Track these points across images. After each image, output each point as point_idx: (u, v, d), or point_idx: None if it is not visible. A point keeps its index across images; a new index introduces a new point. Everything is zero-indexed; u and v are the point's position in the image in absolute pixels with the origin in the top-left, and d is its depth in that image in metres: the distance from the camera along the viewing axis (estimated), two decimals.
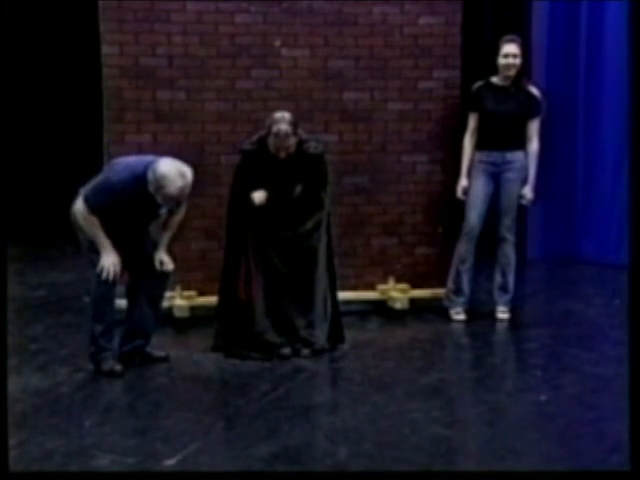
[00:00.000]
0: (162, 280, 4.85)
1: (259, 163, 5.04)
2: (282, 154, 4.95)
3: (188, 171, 4.48)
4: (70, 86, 8.81)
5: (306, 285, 5.12)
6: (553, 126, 6.79)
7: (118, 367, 4.67)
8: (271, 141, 4.94)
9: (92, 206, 4.56)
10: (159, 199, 4.46)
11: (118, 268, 4.61)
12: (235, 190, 5.16)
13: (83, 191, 4.61)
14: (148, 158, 4.63)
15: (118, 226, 4.62)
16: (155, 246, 4.83)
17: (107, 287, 4.61)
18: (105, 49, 5.56)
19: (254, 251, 5.08)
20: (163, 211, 4.65)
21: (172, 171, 4.42)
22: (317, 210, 5.13)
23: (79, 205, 4.59)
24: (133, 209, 4.57)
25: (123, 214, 4.59)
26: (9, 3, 6.58)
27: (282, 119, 4.90)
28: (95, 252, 4.62)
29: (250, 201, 5.04)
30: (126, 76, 5.59)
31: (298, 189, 5.07)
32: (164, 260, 4.80)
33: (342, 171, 5.83)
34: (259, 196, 5.04)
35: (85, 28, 6.66)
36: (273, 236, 5.09)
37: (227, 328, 5.13)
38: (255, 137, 5.11)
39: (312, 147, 5.08)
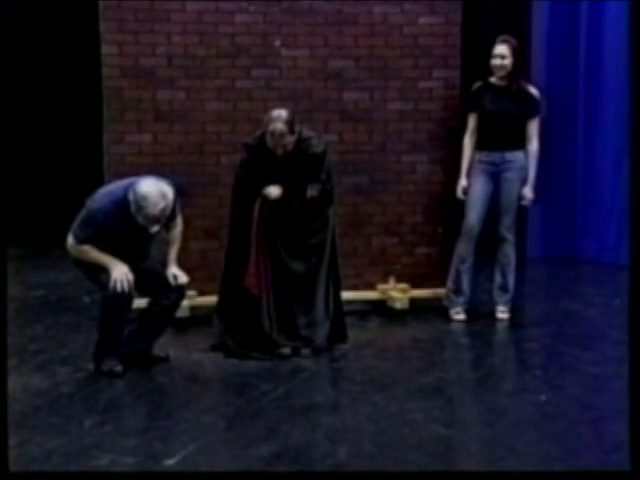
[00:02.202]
0: (179, 293, 4.86)
1: (260, 159, 5.04)
2: (279, 151, 4.95)
3: (169, 191, 4.48)
4: (70, 86, 8.80)
5: (309, 283, 5.11)
6: (553, 126, 6.80)
7: (118, 368, 4.66)
8: (268, 139, 4.94)
9: (79, 239, 4.58)
10: (140, 219, 4.45)
11: (130, 276, 4.60)
12: (238, 184, 5.15)
13: (71, 228, 4.63)
14: (127, 181, 4.63)
15: (115, 252, 4.61)
16: (163, 264, 4.84)
17: (122, 298, 4.58)
18: (105, 49, 5.56)
19: (263, 246, 5.05)
20: (154, 229, 4.62)
21: (153, 191, 4.42)
22: (324, 208, 5.11)
23: (69, 241, 4.63)
24: (122, 234, 4.56)
25: (114, 241, 4.58)
26: (9, 3, 6.58)
27: (278, 118, 4.88)
28: (103, 271, 4.61)
29: (252, 195, 5.01)
30: (126, 76, 5.59)
31: (311, 191, 5.04)
32: (177, 274, 4.81)
33: (342, 171, 5.82)
34: (274, 191, 5.01)
35: (85, 28, 6.66)
36: (280, 233, 5.07)
37: (228, 323, 5.12)
38: (258, 132, 5.10)
39: (314, 145, 5.07)
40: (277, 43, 5.72)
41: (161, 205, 4.42)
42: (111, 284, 4.55)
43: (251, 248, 5.03)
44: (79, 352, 5.01)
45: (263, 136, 5.00)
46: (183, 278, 4.83)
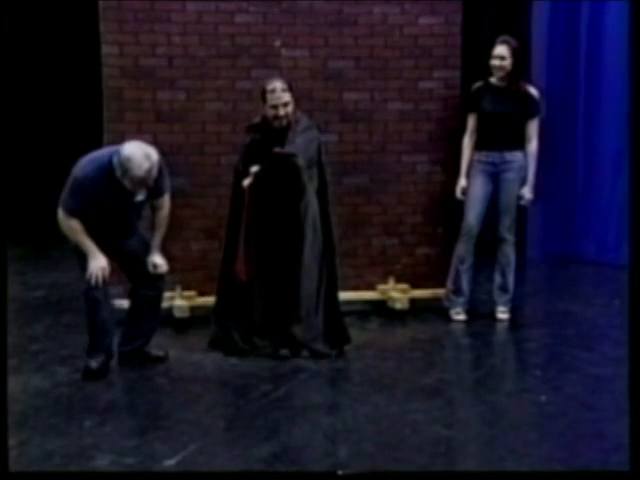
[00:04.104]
0: (157, 282, 4.82)
1: (262, 138, 5.05)
2: (281, 112, 4.97)
3: (153, 152, 4.45)
4: (70, 86, 8.80)
5: (294, 275, 5.04)
6: (553, 126, 6.80)
7: (94, 364, 4.62)
8: (268, 102, 4.99)
9: (69, 209, 4.55)
10: (127, 183, 4.41)
11: (107, 272, 4.59)
12: (237, 170, 5.14)
13: (60, 198, 4.60)
14: (111, 148, 4.61)
15: (101, 224, 4.59)
16: (147, 247, 4.80)
17: (97, 291, 4.58)
18: (105, 49, 5.56)
19: (252, 232, 5.03)
20: (140, 198, 4.58)
21: (137, 153, 4.38)
22: (294, 181, 5.00)
23: (60, 213, 4.60)
24: (108, 200, 4.52)
25: (100, 209, 4.54)
26: (9, 3, 6.58)
27: (275, 79, 5.05)
28: (84, 257, 4.61)
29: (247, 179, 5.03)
30: (126, 76, 5.59)
31: (279, 148, 4.99)
32: (157, 263, 4.77)
33: (342, 171, 5.82)
34: (254, 167, 5.01)
35: (85, 28, 6.65)
36: (263, 218, 5.03)
37: (225, 313, 5.13)
38: (258, 117, 5.16)
39: (306, 120, 5.14)
40: (277, 43, 5.72)
41: (146, 165, 4.38)
42: (87, 276, 4.56)
43: (240, 233, 5.03)
44: (79, 352, 4.99)
45: (264, 117, 5.06)
46: (163, 268, 4.78)
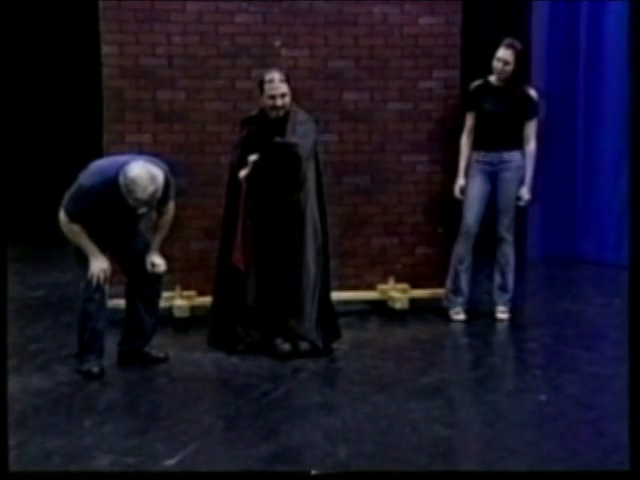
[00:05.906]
0: (154, 282, 4.83)
1: (259, 130, 5.05)
2: (279, 102, 4.96)
3: (159, 175, 4.44)
4: (70, 86, 8.80)
5: (292, 265, 5.03)
6: (553, 126, 6.80)
7: (96, 369, 4.64)
8: (266, 92, 4.98)
9: (71, 214, 4.56)
10: (131, 202, 4.42)
11: (108, 273, 4.61)
12: (234, 161, 5.13)
13: (63, 201, 4.61)
14: (122, 159, 4.59)
15: (103, 229, 4.61)
16: (148, 247, 4.80)
17: (95, 293, 4.60)
18: (105, 49, 5.56)
19: (250, 221, 5.02)
20: (143, 210, 4.57)
21: (142, 175, 4.37)
22: (293, 170, 4.98)
23: (61, 216, 4.61)
24: (111, 212, 4.54)
25: (103, 217, 4.56)
26: (9, 3, 6.57)
27: (274, 70, 5.05)
28: (84, 257, 4.62)
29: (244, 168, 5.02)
30: (126, 76, 5.59)
31: (279, 138, 4.98)
32: (155, 262, 4.77)
33: (342, 171, 5.83)
34: (252, 156, 5.01)
35: (85, 28, 6.65)
36: (260, 207, 5.02)
37: (224, 308, 5.14)
38: (255, 110, 5.17)
39: (303, 113, 5.11)
40: (277, 43, 5.72)
41: (150, 189, 4.38)
42: (88, 277, 4.57)
43: (238, 223, 5.02)
44: None
45: (262, 110, 5.06)
46: (161, 267, 4.79)
